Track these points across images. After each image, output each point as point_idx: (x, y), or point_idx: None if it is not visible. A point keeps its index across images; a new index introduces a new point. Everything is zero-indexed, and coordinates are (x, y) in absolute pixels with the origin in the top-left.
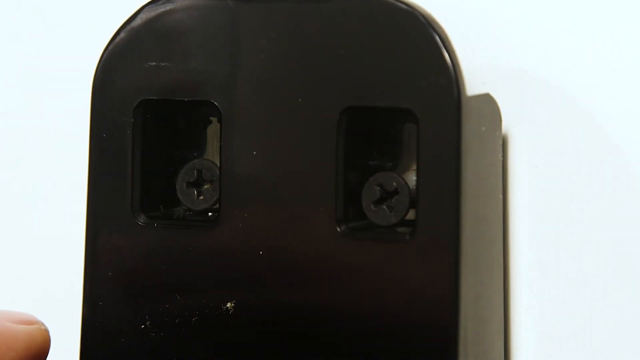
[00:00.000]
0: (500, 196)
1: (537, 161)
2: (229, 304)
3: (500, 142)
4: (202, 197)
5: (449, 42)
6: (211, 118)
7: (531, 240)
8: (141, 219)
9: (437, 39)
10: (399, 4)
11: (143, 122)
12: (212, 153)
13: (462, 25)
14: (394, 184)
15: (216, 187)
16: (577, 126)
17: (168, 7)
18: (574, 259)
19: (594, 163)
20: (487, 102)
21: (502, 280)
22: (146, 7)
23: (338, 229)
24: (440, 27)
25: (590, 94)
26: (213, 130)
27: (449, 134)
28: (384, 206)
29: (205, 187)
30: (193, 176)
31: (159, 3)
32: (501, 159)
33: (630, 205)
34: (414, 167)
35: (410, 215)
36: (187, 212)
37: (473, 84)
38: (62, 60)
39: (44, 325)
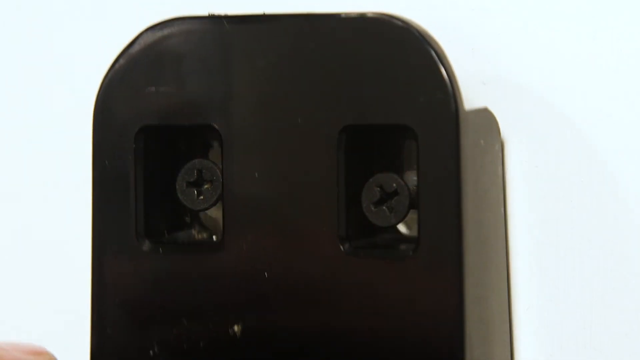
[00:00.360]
0: (502, 209)
1: (537, 161)
2: (236, 327)
3: (500, 155)
4: (202, 197)
5: (445, 57)
6: (212, 142)
7: (531, 241)
8: (146, 245)
9: (433, 54)
10: (394, 20)
11: (145, 148)
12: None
13: (459, 36)
14: (394, 184)
15: (216, 186)
16: (576, 136)
17: (166, 32)
18: (574, 259)
19: (592, 169)
20: (485, 116)
21: (506, 292)
22: (144, 33)
23: (341, 248)
24: (436, 43)
25: (590, 106)
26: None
27: (448, 149)
28: (384, 207)
29: (206, 187)
30: (193, 176)
31: (156, 29)
32: (501, 172)
33: (630, 206)
34: (414, 167)
35: (410, 219)
36: (191, 237)
37: (471, 90)
38: (63, 86)
39: (53, 355)
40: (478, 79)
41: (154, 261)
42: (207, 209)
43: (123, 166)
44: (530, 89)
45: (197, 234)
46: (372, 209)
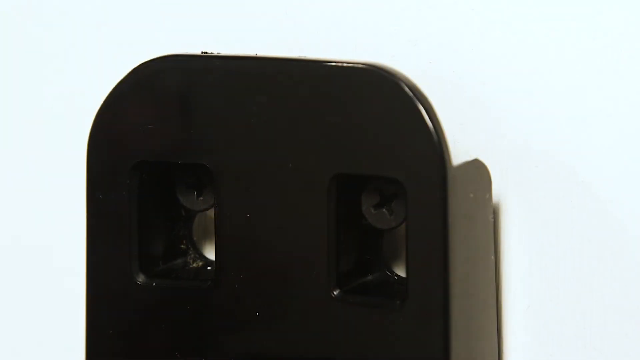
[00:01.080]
0: (493, 257)
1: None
2: None
3: (491, 204)
4: (201, 198)
5: (434, 113)
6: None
7: (530, 240)
8: (140, 279)
9: (422, 109)
10: (384, 73)
11: (139, 183)
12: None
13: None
14: (393, 187)
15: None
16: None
17: (158, 68)
18: (574, 259)
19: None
20: (476, 167)
21: (496, 344)
22: (137, 69)
23: (332, 293)
24: (425, 98)
25: (584, 158)
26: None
27: (436, 205)
28: (384, 210)
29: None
30: (192, 178)
31: (150, 65)
32: (492, 220)
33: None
34: None
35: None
36: (187, 265)
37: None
38: (54, 123)
39: None
40: (467, 148)
41: (147, 294)
42: (207, 209)
43: (117, 200)
44: (524, 139)
45: (192, 262)
46: (372, 211)
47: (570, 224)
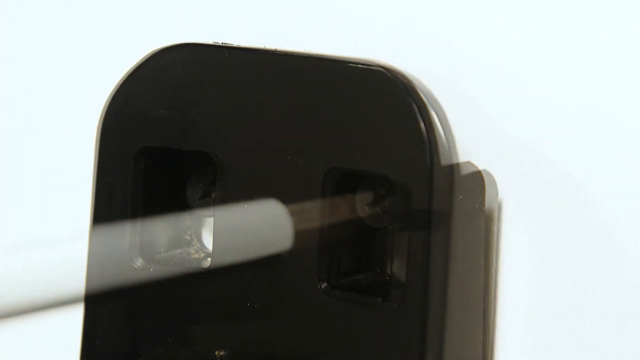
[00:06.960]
0: (482, 263)
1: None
2: (217, 353)
3: (484, 210)
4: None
5: (427, 111)
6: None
7: (530, 240)
8: (138, 263)
9: (415, 107)
10: (382, 70)
11: (145, 168)
12: None
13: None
14: (387, 186)
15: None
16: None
17: (172, 56)
18: (574, 259)
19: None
20: (468, 170)
21: (481, 347)
22: (152, 56)
23: (319, 287)
24: (419, 97)
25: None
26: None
27: (420, 203)
28: (378, 208)
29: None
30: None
31: (164, 52)
32: (484, 226)
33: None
34: None
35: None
36: (189, 255)
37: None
38: (69, 104)
39: None
40: (466, 149)
41: (144, 279)
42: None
43: (123, 184)
44: (524, 139)
45: (194, 253)
46: (366, 210)
47: (570, 224)
